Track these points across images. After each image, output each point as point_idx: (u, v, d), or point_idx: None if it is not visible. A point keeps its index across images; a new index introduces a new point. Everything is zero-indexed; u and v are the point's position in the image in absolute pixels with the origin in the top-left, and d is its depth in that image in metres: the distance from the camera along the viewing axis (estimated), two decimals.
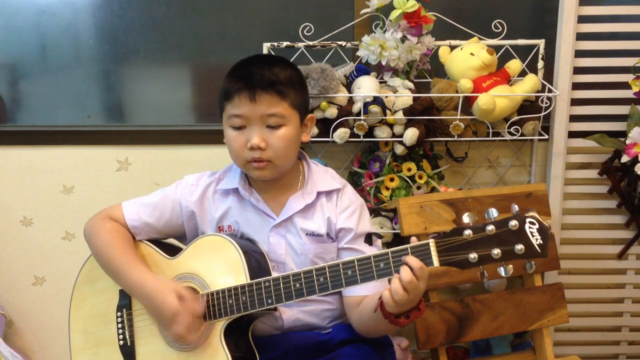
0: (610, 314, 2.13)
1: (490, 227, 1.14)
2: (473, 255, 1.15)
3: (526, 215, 1.14)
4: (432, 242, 1.18)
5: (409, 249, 1.20)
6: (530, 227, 1.13)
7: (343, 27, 1.90)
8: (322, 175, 1.49)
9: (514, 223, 1.13)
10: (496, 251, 1.14)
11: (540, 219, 1.14)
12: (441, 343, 1.69)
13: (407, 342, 1.83)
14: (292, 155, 1.43)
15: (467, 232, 1.15)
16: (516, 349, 1.96)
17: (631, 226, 2.01)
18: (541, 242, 1.13)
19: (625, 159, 1.83)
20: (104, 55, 2.05)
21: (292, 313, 1.44)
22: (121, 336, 1.43)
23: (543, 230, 1.13)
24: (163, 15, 2.02)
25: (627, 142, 1.83)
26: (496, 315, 1.71)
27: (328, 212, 1.46)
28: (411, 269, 1.17)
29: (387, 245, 1.87)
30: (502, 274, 1.15)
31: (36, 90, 2.08)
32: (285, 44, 1.87)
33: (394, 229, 1.87)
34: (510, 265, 1.16)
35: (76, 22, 2.03)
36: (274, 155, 1.37)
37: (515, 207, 1.15)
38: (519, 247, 1.13)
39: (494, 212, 1.16)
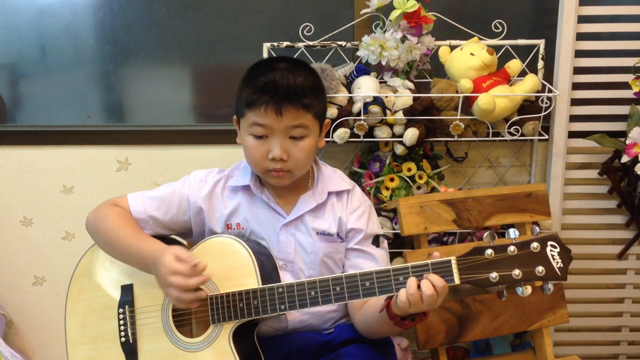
0: (610, 314, 2.13)
1: (512, 248, 1.15)
2: (494, 275, 1.16)
3: (547, 237, 1.15)
4: (453, 260, 1.19)
5: (429, 265, 1.20)
6: (551, 250, 1.15)
7: (343, 27, 1.90)
8: (332, 176, 1.50)
9: (535, 245, 1.15)
10: (517, 272, 1.15)
11: (561, 241, 1.16)
12: (441, 343, 1.69)
13: (407, 342, 1.83)
14: (310, 163, 1.44)
15: (489, 251, 1.16)
16: (516, 349, 1.96)
17: (631, 226, 2.01)
18: (562, 265, 1.15)
19: (625, 159, 1.83)
20: (104, 55, 2.05)
21: (296, 315, 1.44)
22: (123, 333, 1.42)
23: (564, 254, 1.15)
24: (163, 15, 2.02)
25: (627, 142, 1.83)
26: (496, 315, 1.72)
27: (339, 212, 1.46)
28: (433, 286, 1.18)
29: (388, 246, 1.87)
30: (520, 293, 1.17)
31: (36, 90, 2.08)
32: (285, 44, 1.87)
33: (394, 229, 1.86)
34: (529, 286, 1.17)
35: (76, 22, 2.03)
36: (295, 166, 1.38)
37: (537, 229, 1.17)
38: (540, 269, 1.15)
39: (515, 233, 1.17)
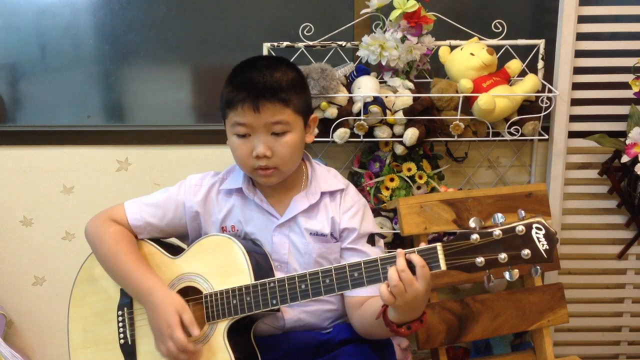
0: (610, 314, 2.13)
1: (497, 232, 1.15)
2: (480, 260, 1.16)
3: (533, 220, 1.15)
4: (439, 246, 1.19)
5: (415, 252, 1.20)
6: (537, 233, 1.15)
7: (343, 27, 1.90)
8: (325, 176, 1.50)
9: (520, 228, 1.15)
10: (503, 255, 1.15)
11: (546, 224, 1.15)
12: (441, 343, 1.69)
13: (407, 342, 1.83)
14: (297, 160, 1.43)
15: (474, 236, 1.16)
16: (516, 349, 1.97)
17: (631, 226, 2.01)
18: (547, 247, 1.14)
19: (625, 159, 1.83)
20: (104, 55, 2.05)
21: (294, 313, 1.44)
22: (122, 335, 1.43)
23: (549, 236, 1.15)
24: (163, 15, 2.02)
25: (627, 142, 1.83)
26: (496, 315, 1.72)
27: (332, 212, 1.46)
28: (414, 266, 1.18)
29: (387, 245, 1.88)
30: (508, 278, 1.16)
31: (36, 90, 2.08)
32: (285, 44, 1.87)
33: (394, 229, 1.86)
34: (516, 270, 1.17)
35: (76, 22, 2.03)
36: (280, 162, 1.38)
37: (522, 213, 1.17)
38: (526, 252, 1.15)
39: (500, 217, 1.17)
